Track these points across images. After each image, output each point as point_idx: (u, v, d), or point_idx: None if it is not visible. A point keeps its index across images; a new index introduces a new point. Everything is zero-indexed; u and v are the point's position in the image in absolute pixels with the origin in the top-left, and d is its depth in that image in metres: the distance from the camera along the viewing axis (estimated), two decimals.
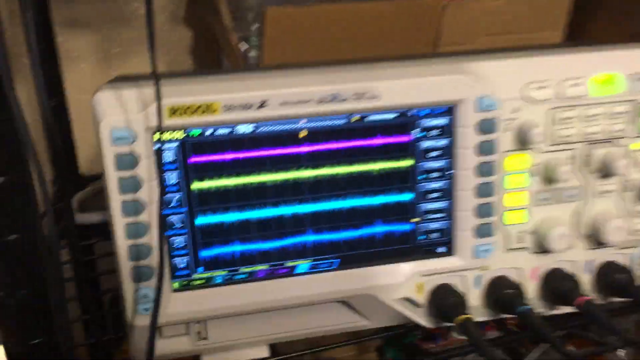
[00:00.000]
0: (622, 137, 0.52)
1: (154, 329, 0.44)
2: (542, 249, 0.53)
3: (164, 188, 0.47)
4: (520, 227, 0.53)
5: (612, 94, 0.51)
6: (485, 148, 0.50)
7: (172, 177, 0.47)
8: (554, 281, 0.53)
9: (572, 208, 0.53)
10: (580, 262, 0.55)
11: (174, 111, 0.45)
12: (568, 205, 0.53)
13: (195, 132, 0.47)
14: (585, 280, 0.55)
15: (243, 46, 0.74)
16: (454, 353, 0.56)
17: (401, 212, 0.52)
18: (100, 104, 0.45)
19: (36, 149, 0.39)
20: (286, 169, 0.49)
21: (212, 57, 0.94)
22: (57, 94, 0.77)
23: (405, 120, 0.50)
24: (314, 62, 0.54)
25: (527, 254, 0.53)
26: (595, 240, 0.54)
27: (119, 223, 0.46)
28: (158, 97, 0.42)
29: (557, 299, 0.54)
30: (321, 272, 0.52)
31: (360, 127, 0.49)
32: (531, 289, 0.54)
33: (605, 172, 0.52)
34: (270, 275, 0.51)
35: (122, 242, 0.47)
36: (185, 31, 0.95)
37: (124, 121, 0.44)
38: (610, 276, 0.54)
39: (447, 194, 0.52)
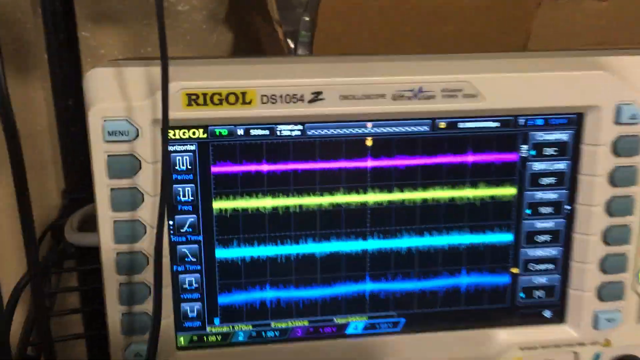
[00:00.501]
0: None
1: None
2: None
3: (173, 206, 0.34)
4: None
5: None
6: (622, 175, 0.36)
7: (185, 193, 0.34)
8: None
9: None
10: None
11: (192, 99, 0.32)
12: None
13: (222, 131, 0.34)
14: None
15: (291, 43, 0.62)
16: None
17: (496, 258, 0.38)
18: (91, 85, 0.32)
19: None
20: (343, 190, 0.35)
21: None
22: (76, 94, 0.66)
23: (511, 131, 0.36)
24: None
25: None
26: None
27: (109, 252, 0.33)
28: (164, 72, 0.29)
29: None
30: (381, 334, 0.38)
31: (448, 138, 0.35)
32: None
33: None
34: (311, 335, 0.37)
35: (111, 279, 0.34)
36: (225, 31, 0.84)
37: (123, 109, 0.32)
38: None
39: (562, 237, 0.38)
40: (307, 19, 0.62)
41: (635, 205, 0.36)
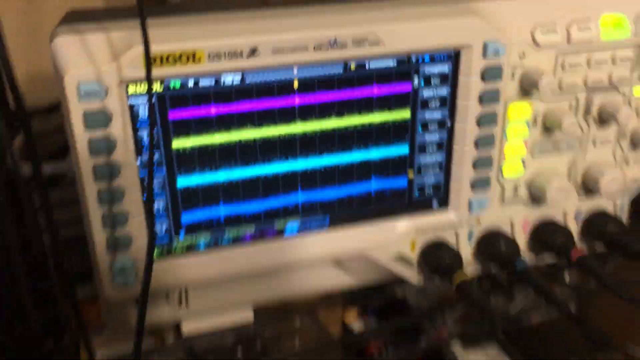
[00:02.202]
0: (625, 84, 0.50)
1: (146, 299, 0.39)
2: (536, 200, 0.51)
3: (139, 147, 0.41)
4: (516, 180, 0.51)
5: (618, 38, 0.48)
6: (489, 97, 0.47)
7: (149, 135, 0.41)
8: (546, 234, 0.52)
9: (569, 158, 0.51)
10: (571, 212, 0.53)
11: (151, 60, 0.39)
12: (566, 156, 0.51)
13: (176, 83, 0.41)
14: (573, 229, 0.54)
15: None
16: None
17: (397, 166, 0.48)
18: (62, 53, 0.38)
19: None
20: (277, 123, 0.44)
21: None
22: None
23: (406, 68, 0.45)
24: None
25: (522, 206, 0.52)
26: (588, 190, 0.53)
27: (91, 190, 0.40)
28: (146, 44, 0.35)
29: (548, 250, 0.53)
30: (312, 232, 0.48)
31: (358, 76, 0.44)
32: (522, 241, 0.53)
33: (605, 120, 0.50)
34: (257, 238, 0.47)
35: (95, 210, 0.41)
36: None
37: (94, 73, 0.38)
38: (599, 225, 0.53)
39: (445, 146, 0.49)
40: None
41: (498, 119, 0.48)
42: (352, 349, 0.78)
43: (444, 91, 0.47)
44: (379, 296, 0.66)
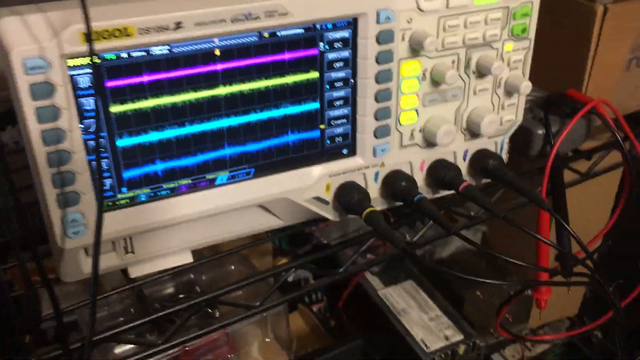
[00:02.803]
0: (497, 41, 0.59)
1: (98, 247, 0.45)
2: (430, 143, 0.61)
3: (82, 114, 0.47)
4: (411, 127, 0.59)
5: (489, 2, 0.57)
6: (384, 57, 0.55)
7: (89, 103, 0.47)
8: (439, 170, 0.62)
9: (454, 106, 0.60)
10: (459, 152, 0.63)
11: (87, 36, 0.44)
12: (451, 104, 0.60)
13: (111, 55, 0.46)
14: (463, 167, 0.64)
15: None
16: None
17: (310, 120, 0.56)
18: (6, 33, 0.42)
19: None
20: (202, 87, 0.50)
21: None
22: None
23: (312, 34, 0.52)
24: None
25: (417, 149, 0.61)
26: (472, 132, 0.62)
27: (41, 152, 0.46)
28: (87, 23, 0.41)
29: (442, 185, 0.62)
30: (239, 181, 0.55)
31: (271, 43, 0.51)
32: (420, 179, 0.62)
33: (482, 72, 0.59)
34: (192, 189, 0.54)
35: (45, 171, 0.46)
36: None
37: (37, 49, 0.43)
38: (483, 161, 0.63)
39: (350, 101, 0.57)
40: None
41: (393, 76, 0.56)
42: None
43: (346, 53, 0.55)
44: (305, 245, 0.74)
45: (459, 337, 0.90)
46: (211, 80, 0.50)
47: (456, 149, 0.62)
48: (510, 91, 0.62)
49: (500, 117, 0.62)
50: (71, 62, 0.45)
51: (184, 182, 0.53)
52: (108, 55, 0.46)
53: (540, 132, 0.68)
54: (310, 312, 0.97)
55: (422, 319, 0.95)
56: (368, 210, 0.56)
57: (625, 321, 0.66)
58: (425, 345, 0.88)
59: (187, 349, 0.67)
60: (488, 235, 1.08)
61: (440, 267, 0.76)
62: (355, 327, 1.01)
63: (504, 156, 0.65)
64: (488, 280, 0.57)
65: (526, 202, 0.65)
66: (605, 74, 0.74)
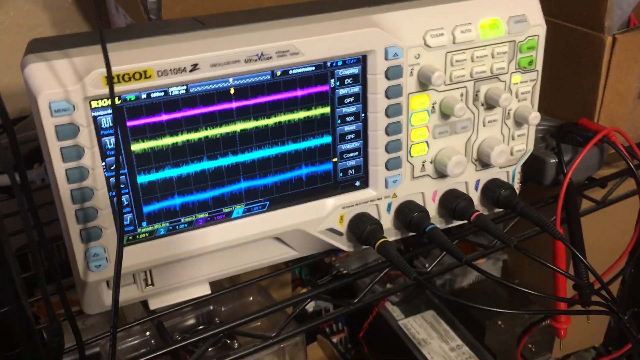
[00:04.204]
0: (504, 74, 0.60)
1: (118, 280, 0.47)
2: (441, 174, 0.62)
3: (104, 153, 0.49)
4: (422, 158, 0.61)
5: (495, 37, 0.59)
6: (393, 92, 0.56)
7: (111, 142, 0.49)
8: (451, 201, 0.63)
9: (464, 138, 0.62)
10: (471, 182, 0.64)
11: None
12: (461, 136, 0.61)
13: (131, 97, 0.49)
14: (475, 196, 0.65)
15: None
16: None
17: (322, 154, 0.58)
18: (34, 78, 0.45)
19: None
20: (218, 124, 0.53)
21: None
22: None
23: (323, 72, 0.55)
24: (231, 17, 0.56)
25: (429, 179, 0.62)
26: (483, 162, 0.63)
27: (65, 189, 0.48)
28: (108, 68, 0.43)
29: (454, 215, 0.63)
30: (254, 214, 0.57)
31: (283, 81, 0.53)
32: (432, 209, 0.63)
33: (491, 104, 0.61)
34: (209, 222, 0.56)
35: (69, 207, 0.49)
36: None
37: (62, 93, 0.46)
38: (494, 191, 0.64)
39: (361, 134, 0.58)
40: None
41: (403, 109, 0.57)
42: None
43: (356, 89, 0.56)
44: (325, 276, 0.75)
45: None
46: (226, 117, 0.53)
47: (468, 179, 0.64)
48: (519, 122, 0.63)
49: (510, 147, 0.63)
50: (94, 104, 0.48)
51: (201, 215, 0.55)
52: (129, 97, 0.49)
53: (553, 161, 0.69)
54: (330, 342, 0.98)
55: (442, 349, 0.95)
56: (380, 240, 0.57)
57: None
58: None
59: None
60: (509, 264, 1.08)
61: (453, 296, 0.77)
62: (376, 357, 1.01)
63: (516, 185, 0.66)
64: (502, 310, 0.57)
65: (540, 231, 0.66)
66: (616, 103, 0.75)
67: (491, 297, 1.03)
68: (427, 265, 0.68)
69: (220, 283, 0.62)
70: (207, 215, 0.55)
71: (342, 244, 0.61)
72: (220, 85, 0.51)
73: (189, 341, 0.56)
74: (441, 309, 1.02)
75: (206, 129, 0.52)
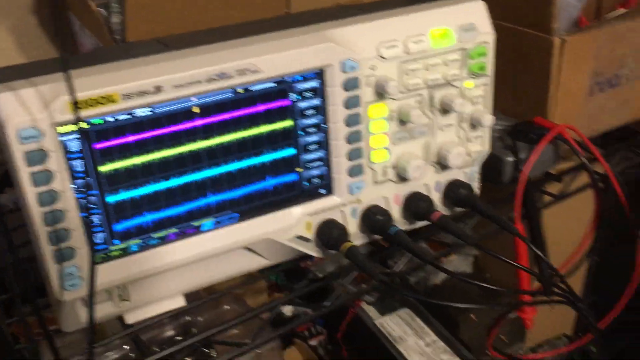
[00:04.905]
0: (457, 80, 0.63)
1: (92, 298, 0.49)
2: (402, 178, 0.64)
3: (73, 175, 0.51)
4: (384, 164, 0.63)
5: (446, 46, 0.62)
6: (351, 103, 0.59)
7: (80, 164, 0.51)
8: (412, 203, 0.65)
9: (423, 142, 0.64)
10: (431, 184, 0.67)
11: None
12: (420, 141, 0.64)
13: (98, 120, 0.51)
14: (436, 198, 0.67)
15: (104, 13, 0.75)
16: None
17: (287, 165, 0.60)
18: (1, 107, 0.47)
19: None
20: (184, 142, 0.55)
21: (60, 17, 0.92)
22: None
23: (283, 87, 0.57)
24: (193, 37, 0.58)
25: (391, 184, 0.65)
26: (442, 165, 0.66)
27: (37, 213, 0.50)
28: (72, 94, 0.45)
29: (416, 216, 0.66)
30: (224, 226, 0.59)
31: (245, 98, 0.56)
32: (396, 212, 0.66)
33: (446, 109, 0.64)
34: (180, 237, 0.58)
35: (41, 230, 0.50)
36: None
37: (30, 121, 0.47)
38: (454, 191, 0.67)
39: (324, 144, 0.61)
40: None
41: (361, 119, 0.60)
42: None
43: (317, 101, 0.59)
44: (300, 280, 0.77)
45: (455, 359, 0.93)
46: (192, 135, 0.55)
47: (428, 182, 0.66)
48: (474, 124, 0.66)
49: (467, 149, 0.66)
50: (61, 129, 0.49)
51: (172, 230, 0.57)
52: (95, 120, 0.51)
53: (510, 159, 0.72)
54: (307, 345, 1.00)
55: (418, 345, 0.98)
56: (346, 245, 0.60)
57: (600, 336, 0.69)
58: None
59: None
60: (480, 258, 1.11)
61: (424, 294, 0.79)
62: (354, 358, 1.03)
63: (476, 185, 0.69)
64: (467, 305, 0.60)
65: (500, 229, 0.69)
66: (569, 101, 0.79)
67: (464, 292, 1.06)
68: (399, 263, 0.70)
69: (197, 293, 0.64)
70: (177, 230, 0.57)
71: (311, 250, 0.63)
72: (184, 105, 0.53)
73: (166, 352, 0.57)
74: (416, 306, 1.05)
75: (172, 147, 0.54)
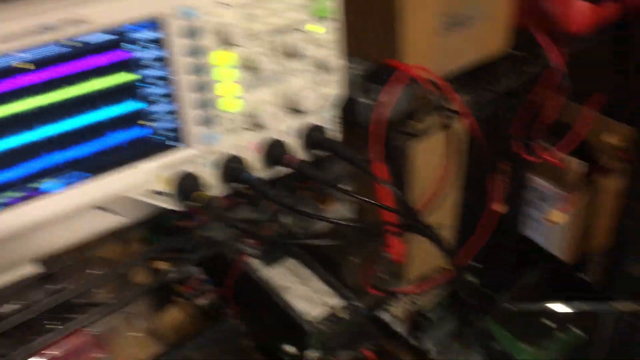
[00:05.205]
0: (303, 24, 0.64)
1: None
2: (258, 126, 0.65)
3: None
4: (237, 113, 0.63)
5: None
6: (195, 51, 0.58)
7: None
8: (271, 150, 0.66)
9: (275, 89, 0.65)
10: (288, 129, 0.68)
11: None
12: (272, 87, 0.65)
13: None
14: (294, 142, 0.69)
15: None
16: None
17: (137, 119, 0.59)
18: None
19: None
20: (18, 99, 0.52)
21: None
22: None
23: (120, 38, 0.55)
24: None
25: (247, 132, 0.65)
26: (297, 110, 0.67)
27: None
28: None
29: (274, 162, 0.67)
30: (73, 186, 0.57)
31: (79, 51, 0.54)
32: (254, 160, 0.66)
33: (295, 54, 0.64)
34: (25, 200, 0.55)
35: None
36: None
37: None
38: (310, 135, 0.68)
39: (174, 97, 0.60)
40: None
41: (208, 68, 0.60)
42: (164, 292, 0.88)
43: (159, 52, 0.58)
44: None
45: (339, 301, 0.96)
46: (27, 92, 0.52)
47: (284, 128, 0.67)
48: (326, 68, 0.67)
49: (320, 93, 0.67)
50: None
51: (16, 194, 0.55)
52: None
53: (363, 100, 0.74)
54: (193, 305, 1.00)
55: (305, 292, 1.00)
56: (199, 194, 0.60)
57: (456, 268, 0.74)
58: (307, 315, 0.93)
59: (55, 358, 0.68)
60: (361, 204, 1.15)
61: (305, 239, 0.81)
62: (245, 313, 1.05)
63: (334, 128, 0.71)
64: (316, 242, 0.62)
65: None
66: (418, 41, 0.81)
67: (342, 236, 1.10)
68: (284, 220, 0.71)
69: (63, 259, 0.62)
70: (22, 193, 0.55)
71: (172, 205, 0.63)
72: (6, 60, 0.51)
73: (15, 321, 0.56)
74: (301, 255, 1.07)
75: (5, 105, 0.51)
